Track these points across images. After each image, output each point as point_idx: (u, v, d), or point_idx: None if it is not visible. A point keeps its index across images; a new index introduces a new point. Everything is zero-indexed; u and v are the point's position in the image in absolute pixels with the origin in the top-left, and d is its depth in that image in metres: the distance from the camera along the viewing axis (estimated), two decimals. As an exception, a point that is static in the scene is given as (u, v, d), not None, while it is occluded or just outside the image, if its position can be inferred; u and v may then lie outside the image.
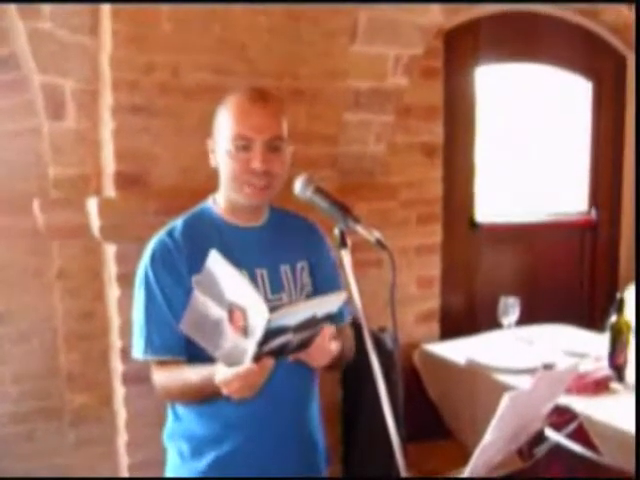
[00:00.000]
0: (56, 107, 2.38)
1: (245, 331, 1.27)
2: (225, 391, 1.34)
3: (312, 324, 1.31)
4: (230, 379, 1.31)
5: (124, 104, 2.25)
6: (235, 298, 1.28)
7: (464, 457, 2.58)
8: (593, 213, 3.90)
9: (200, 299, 1.35)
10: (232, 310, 1.29)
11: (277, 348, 1.30)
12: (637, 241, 2.75)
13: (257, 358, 1.28)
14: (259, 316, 1.22)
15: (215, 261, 1.32)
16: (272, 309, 1.23)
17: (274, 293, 1.60)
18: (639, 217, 2.77)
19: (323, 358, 1.43)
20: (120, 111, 2.25)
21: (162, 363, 1.58)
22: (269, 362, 1.31)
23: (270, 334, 1.24)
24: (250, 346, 1.26)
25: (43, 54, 2.29)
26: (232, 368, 1.30)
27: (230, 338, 1.30)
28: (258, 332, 1.23)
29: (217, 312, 1.31)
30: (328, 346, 1.40)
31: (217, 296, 1.31)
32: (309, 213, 1.74)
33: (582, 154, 3.89)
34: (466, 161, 3.48)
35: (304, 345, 1.37)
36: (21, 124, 2.49)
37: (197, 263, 1.48)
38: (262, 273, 1.58)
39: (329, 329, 1.40)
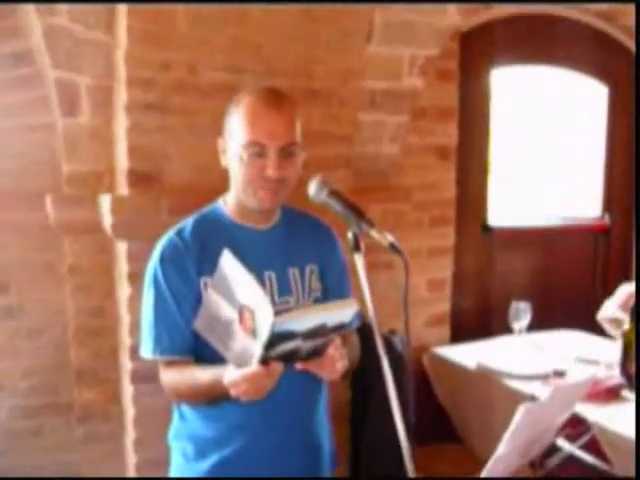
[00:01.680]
0: (70, 103, 2.38)
1: (254, 333, 1.26)
2: (233, 392, 1.33)
3: (322, 333, 1.30)
4: (238, 380, 1.31)
5: (138, 101, 2.24)
6: (245, 299, 1.28)
7: (472, 462, 2.58)
8: (607, 218, 3.87)
9: (213, 299, 1.34)
10: (242, 311, 1.28)
11: (286, 354, 1.28)
12: (637, 242, 2.72)
13: (265, 362, 1.27)
14: (265, 318, 1.22)
15: (227, 261, 1.31)
16: (278, 312, 1.22)
17: (281, 296, 1.59)
18: (639, 221, 2.75)
19: (333, 373, 1.41)
20: (134, 108, 2.25)
21: (170, 363, 1.57)
22: (277, 367, 1.30)
23: (277, 338, 1.23)
24: (257, 348, 1.25)
25: (58, 50, 2.29)
26: (240, 370, 1.30)
27: (240, 340, 1.30)
28: (264, 334, 1.22)
29: (229, 313, 1.31)
30: (339, 358, 1.38)
31: (229, 296, 1.31)
32: (322, 215, 1.73)
33: (596, 159, 3.85)
34: (480, 164, 3.45)
35: (316, 353, 1.36)
36: (35, 120, 2.49)
37: (206, 264, 1.48)
38: (270, 275, 1.57)
39: (338, 345, 1.38)
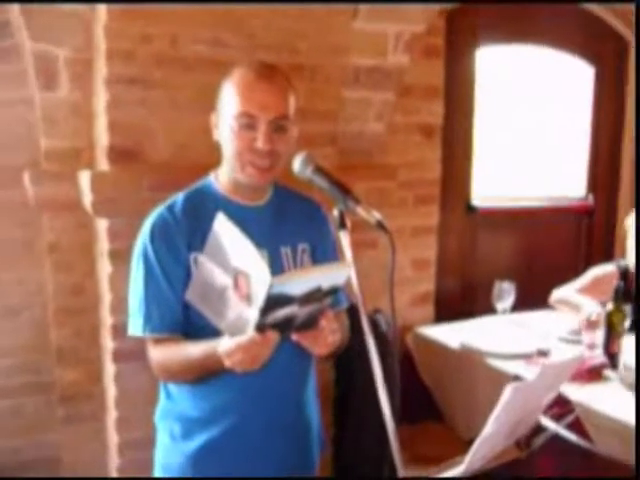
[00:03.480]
0: (48, 77, 2.32)
1: (249, 299, 1.24)
2: (228, 363, 1.31)
3: (317, 297, 1.28)
4: (233, 349, 1.29)
5: (119, 75, 2.19)
6: (240, 263, 1.25)
7: (456, 440, 2.59)
8: (590, 199, 3.88)
9: (206, 266, 1.32)
10: (237, 277, 1.26)
11: (282, 321, 1.26)
12: (637, 233, 2.73)
13: (261, 329, 1.25)
14: (261, 281, 1.19)
15: (221, 224, 1.28)
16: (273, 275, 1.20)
17: (273, 274, 1.57)
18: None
19: (325, 346, 1.40)
20: (115, 82, 2.20)
21: (160, 340, 1.55)
22: (273, 335, 1.28)
23: (273, 302, 1.21)
24: (252, 314, 1.23)
25: (36, 22, 2.23)
26: (235, 338, 1.28)
27: (234, 307, 1.28)
28: (260, 298, 1.20)
29: (223, 279, 1.28)
30: (331, 331, 1.37)
31: (223, 262, 1.28)
32: (308, 192, 1.70)
33: (581, 139, 3.86)
34: (465, 143, 3.44)
35: (309, 324, 1.34)
36: (12, 94, 2.42)
37: (196, 239, 1.47)
38: (262, 254, 1.55)
39: (331, 315, 1.37)
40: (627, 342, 2.42)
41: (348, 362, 2.51)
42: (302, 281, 1.25)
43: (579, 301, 2.80)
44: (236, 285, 1.26)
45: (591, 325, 2.47)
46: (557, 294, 2.89)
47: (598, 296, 2.91)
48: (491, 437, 1.12)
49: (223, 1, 2.22)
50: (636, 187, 2.86)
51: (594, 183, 3.89)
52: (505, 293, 2.67)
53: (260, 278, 1.20)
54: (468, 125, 3.43)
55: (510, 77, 3.62)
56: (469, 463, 1.12)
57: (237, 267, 1.25)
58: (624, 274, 2.85)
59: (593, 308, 2.59)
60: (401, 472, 1.23)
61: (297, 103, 1.56)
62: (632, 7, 3.34)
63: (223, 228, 1.28)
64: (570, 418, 1.40)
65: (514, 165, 3.74)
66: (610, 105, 3.83)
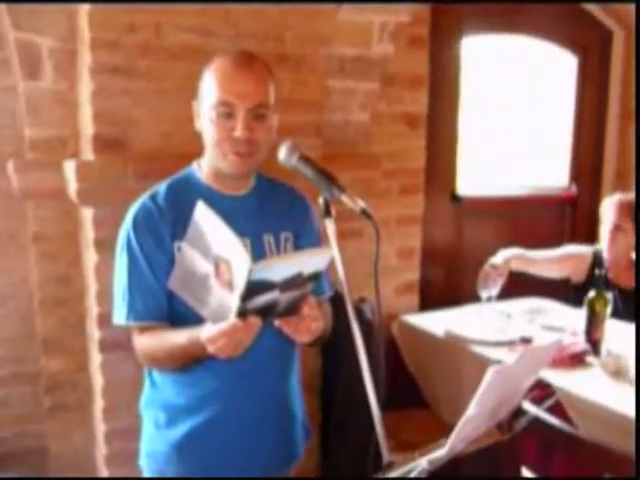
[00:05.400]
0: (32, 66, 2.30)
1: (231, 286, 1.24)
2: (211, 349, 1.32)
3: (298, 283, 1.29)
4: (215, 335, 1.30)
5: (103, 64, 2.18)
6: (220, 251, 1.26)
7: (440, 426, 2.62)
8: (573, 188, 3.92)
9: (188, 254, 1.32)
10: (218, 264, 1.26)
11: (264, 307, 1.27)
12: (637, 238, 2.77)
13: (243, 315, 1.26)
14: (242, 267, 1.20)
15: (202, 213, 1.29)
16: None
17: (255, 262, 1.58)
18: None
19: (308, 333, 1.40)
20: (99, 72, 2.19)
21: (144, 328, 1.55)
22: (255, 320, 1.29)
23: (254, 288, 1.21)
24: (234, 300, 1.24)
25: (19, 10, 2.22)
26: (217, 325, 1.29)
27: (216, 294, 1.28)
28: (241, 283, 1.20)
29: (204, 267, 1.29)
30: (314, 318, 1.39)
31: (204, 250, 1.29)
32: (293, 181, 1.71)
33: (565, 128, 3.89)
34: (449, 133, 3.46)
35: (291, 311, 1.35)
36: (-4, 83, 2.42)
37: (180, 228, 1.47)
38: (245, 242, 1.55)
39: (314, 302, 1.38)
40: (609, 329, 2.46)
41: (334, 350, 2.52)
42: (283, 267, 1.26)
43: (534, 256, 2.83)
44: (217, 272, 1.26)
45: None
46: (509, 251, 2.89)
47: (562, 268, 2.95)
48: (473, 419, 1.14)
49: (216, 1, 2.23)
50: (636, 183, 2.89)
51: (577, 172, 3.93)
52: (490, 282, 2.69)
53: (240, 264, 1.20)
54: (453, 114, 3.45)
55: (494, 67, 3.64)
56: (451, 445, 1.14)
57: (218, 254, 1.26)
58: (598, 258, 2.89)
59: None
60: (387, 458, 1.25)
61: (277, 92, 1.57)
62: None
63: (203, 216, 1.28)
64: (551, 402, 1.43)
65: (498, 154, 3.76)
66: (593, 94, 3.87)
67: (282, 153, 1.44)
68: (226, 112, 1.49)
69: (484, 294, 2.69)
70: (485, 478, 1.83)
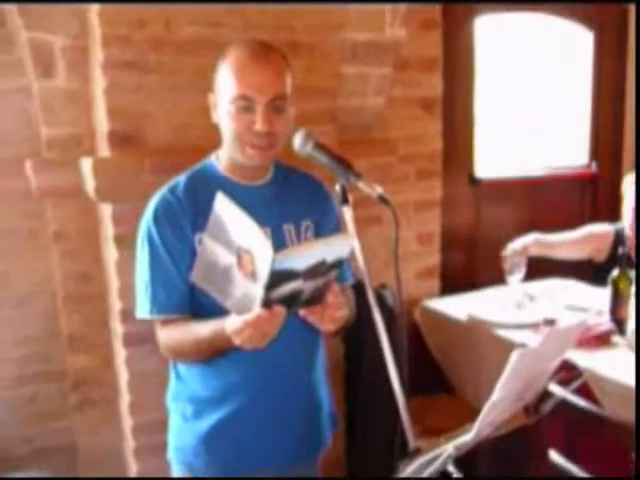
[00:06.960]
0: (45, 65, 2.31)
1: (254, 276, 1.24)
2: (236, 341, 1.32)
3: (322, 271, 1.28)
4: (240, 327, 1.29)
5: (115, 60, 2.19)
6: (242, 241, 1.25)
7: (465, 411, 2.60)
8: (593, 166, 3.86)
9: (209, 247, 1.32)
10: (240, 255, 1.26)
11: (288, 296, 1.27)
12: (637, 237, 2.72)
13: (268, 305, 1.25)
14: (264, 257, 1.19)
15: (222, 204, 1.28)
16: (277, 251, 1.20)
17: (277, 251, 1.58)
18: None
19: (333, 322, 1.39)
20: (111, 68, 2.19)
21: (168, 321, 1.56)
22: (280, 310, 1.28)
23: (278, 277, 1.21)
24: (258, 291, 1.23)
25: (30, 10, 2.22)
26: (242, 316, 1.28)
27: (240, 285, 1.28)
28: (264, 274, 1.20)
29: (226, 258, 1.28)
30: (338, 306, 1.37)
31: (226, 241, 1.28)
32: (308, 169, 1.70)
33: (583, 106, 3.83)
34: (466, 115, 3.42)
35: (316, 299, 1.34)
36: (10, 83, 2.43)
37: (200, 220, 1.47)
38: (265, 232, 1.55)
39: (337, 290, 1.37)
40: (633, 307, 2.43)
41: (357, 336, 2.52)
42: (305, 255, 1.25)
43: (553, 239, 2.80)
44: (240, 263, 1.26)
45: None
46: (528, 237, 2.85)
47: (583, 249, 2.91)
48: (499, 403, 1.13)
49: (226, 1, 2.22)
50: (636, 173, 2.84)
51: (597, 150, 3.87)
52: (516, 267, 2.67)
53: (263, 254, 1.20)
54: (469, 96, 3.41)
55: (510, 46, 3.59)
56: (477, 430, 1.13)
57: (240, 245, 1.25)
58: (620, 236, 2.85)
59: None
60: (413, 444, 1.24)
61: (293, 81, 1.55)
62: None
63: (223, 207, 1.28)
64: (578, 383, 1.41)
65: (516, 135, 3.72)
66: (611, 70, 3.80)
67: (297, 142, 1.44)
68: (245, 106, 1.48)
69: (511, 280, 2.67)
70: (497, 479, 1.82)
